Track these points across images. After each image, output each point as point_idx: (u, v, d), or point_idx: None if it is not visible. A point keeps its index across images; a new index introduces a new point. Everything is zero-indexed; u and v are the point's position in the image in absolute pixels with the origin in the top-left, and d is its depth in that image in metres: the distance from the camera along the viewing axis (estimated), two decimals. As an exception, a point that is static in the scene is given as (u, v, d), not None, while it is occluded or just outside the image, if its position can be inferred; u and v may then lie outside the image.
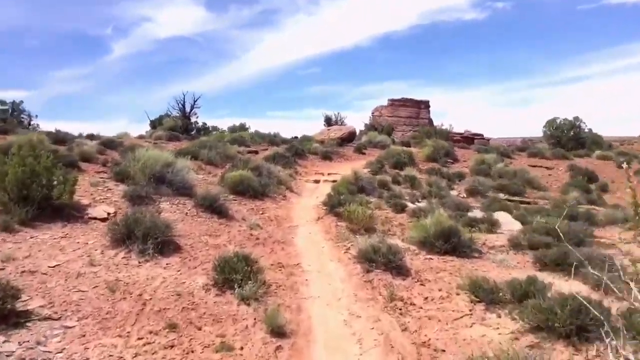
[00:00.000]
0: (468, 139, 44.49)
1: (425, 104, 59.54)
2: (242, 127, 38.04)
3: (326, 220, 13.59)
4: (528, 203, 21.94)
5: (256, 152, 24.75)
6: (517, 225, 15.03)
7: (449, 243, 10.90)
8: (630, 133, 57.80)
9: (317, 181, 20.61)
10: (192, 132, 30.81)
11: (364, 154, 29.87)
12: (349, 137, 33.81)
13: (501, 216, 15.92)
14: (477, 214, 16.64)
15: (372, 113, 56.08)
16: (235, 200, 14.53)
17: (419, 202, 18.34)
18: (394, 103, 58.17)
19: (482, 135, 46.15)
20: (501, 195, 22.07)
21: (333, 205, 13.85)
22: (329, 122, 40.98)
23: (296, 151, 25.62)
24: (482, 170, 26.12)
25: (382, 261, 9.18)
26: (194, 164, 18.48)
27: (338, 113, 44.03)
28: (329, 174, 22.43)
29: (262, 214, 13.64)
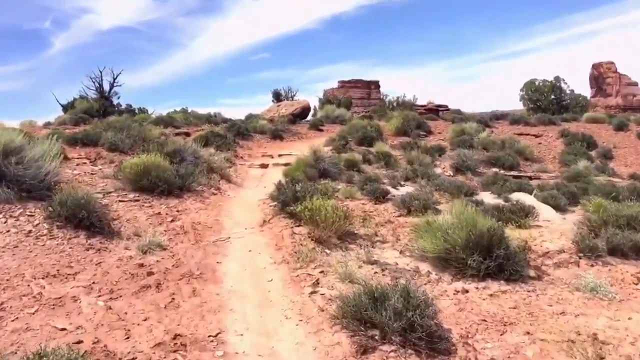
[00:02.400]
0: (432, 111, 40.41)
1: (376, 84, 56.50)
2: (184, 112, 32.54)
3: (276, 224, 8.70)
4: (529, 178, 17.70)
5: (187, 134, 19.53)
6: (550, 213, 10.52)
7: (491, 258, 6.22)
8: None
9: (264, 165, 15.63)
10: (113, 115, 25.05)
11: (321, 130, 24.99)
12: (303, 113, 28.86)
13: (518, 197, 11.43)
14: (485, 198, 12.08)
15: (324, 95, 52.35)
16: (137, 200, 9.47)
17: (401, 185, 13.68)
18: (345, 85, 54.92)
19: (447, 107, 42.11)
20: (496, 170, 17.70)
21: (285, 201, 8.92)
22: (278, 97, 35.76)
23: (238, 130, 20.51)
24: (464, 142, 21.67)
25: (396, 327, 4.30)
26: (85, 152, 13.26)
27: (288, 88, 38.87)
28: (279, 155, 17.46)
29: (172, 221, 8.59)
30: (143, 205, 9.22)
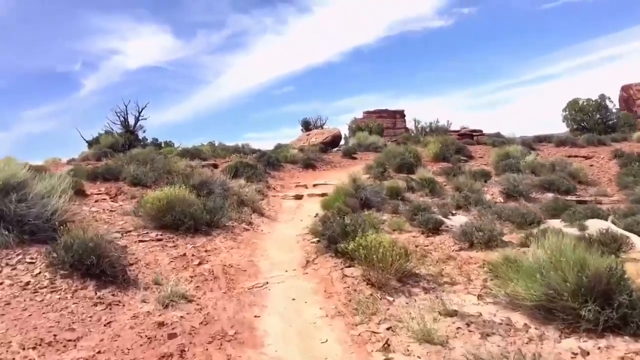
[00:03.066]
0: (467, 136, 38.95)
1: (401, 114, 55.64)
2: (211, 144, 31.67)
3: (322, 265, 7.36)
4: (586, 203, 16.01)
5: (215, 166, 18.42)
6: (637, 240, 8.92)
7: (611, 307, 4.75)
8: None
9: (298, 196, 14.34)
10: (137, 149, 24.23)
11: (355, 158, 23.70)
12: (334, 142, 27.67)
13: (596, 225, 9.86)
14: (555, 224, 10.55)
15: (350, 126, 51.55)
16: (159, 239, 8.24)
17: (453, 214, 12.22)
18: (370, 114, 54.10)
19: (482, 131, 40.58)
20: (555, 195, 16.08)
21: (333, 238, 7.56)
22: (307, 127, 34.66)
23: (268, 160, 19.35)
24: (510, 166, 20.09)
25: None
26: (106, 187, 12.18)
27: (318, 117, 37.74)
28: (314, 185, 16.18)
29: (199, 264, 7.30)
30: (166, 246, 7.97)
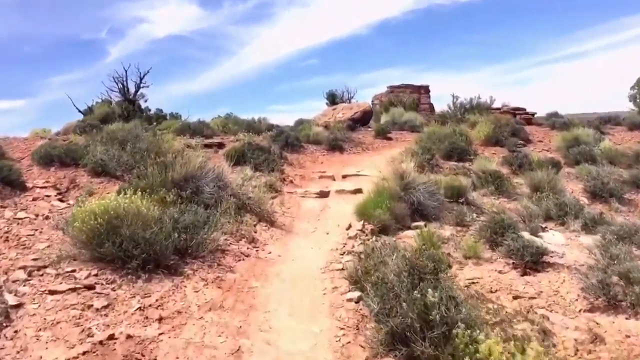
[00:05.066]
0: (508, 115, 34.80)
1: (426, 89, 52.03)
2: (226, 117, 27.87)
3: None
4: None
5: (220, 146, 14.85)
6: None
7: None
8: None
9: (323, 194, 10.67)
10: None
11: (389, 139, 19.89)
12: (364, 118, 23.74)
13: None
14: None
15: (372, 101, 47.94)
16: (89, 286, 4.78)
17: (543, 229, 8.54)
18: (394, 89, 50.46)
19: (525, 110, 36.35)
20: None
21: (402, 331, 3.89)
22: (333, 100, 30.74)
23: (286, 140, 15.70)
24: (583, 154, 16.17)
25: None
26: (57, 177, 8.81)
27: (346, 88, 33.67)
28: (344, 176, 12.48)
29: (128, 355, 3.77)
30: (90, 306, 4.49)
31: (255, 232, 7.70)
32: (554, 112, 24.67)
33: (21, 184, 8.32)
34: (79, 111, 22.59)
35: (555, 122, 21.99)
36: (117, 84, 22.83)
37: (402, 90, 55.24)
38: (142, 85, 23.11)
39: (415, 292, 3.78)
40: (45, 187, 8.43)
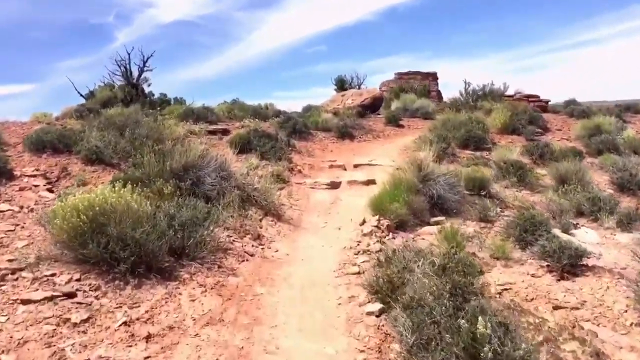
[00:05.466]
0: (521, 102, 33.85)
1: (434, 76, 51.46)
2: (233, 102, 26.99)
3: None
4: None
5: (225, 132, 14.15)
6: None
7: None
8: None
9: (334, 185, 9.97)
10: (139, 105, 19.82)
11: (401, 126, 19.10)
12: (374, 105, 22.95)
13: None
14: None
15: (380, 88, 47.18)
16: (70, 294, 4.13)
17: (575, 226, 7.81)
18: (402, 76, 50.06)
19: (539, 97, 35.39)
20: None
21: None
22: (342, 86, 29.89)
23: (294, 127, 14.97)
24: (606, 143, 15.37)
25: None
26: (48, 164, 8.16)
27: (355, 74, 32.72)
28: (355, 166, 11.76)
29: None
30: (66, 320, 3.83)
31: (261, 228, 7.04)
32: (571, 99, 23.67)
33: (8, 171, 7.66)
34: (81, 95, 21.88)
35: (574, 109, 21.08)
36: (119, 67, 22.03)
37: (410, 77, 54.63)
38: (145, 69, 22.32)
39: (461, 320, 3.07)
40: (34, 176, 7.77)
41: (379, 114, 22.65)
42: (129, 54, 22.02)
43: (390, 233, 7.26)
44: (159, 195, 6.25)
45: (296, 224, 7.76)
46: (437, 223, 7.81)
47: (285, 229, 7.39)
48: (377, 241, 6.78)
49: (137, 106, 13.68)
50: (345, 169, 11.40)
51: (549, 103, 31.82)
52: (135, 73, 22.40)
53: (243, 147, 11.19)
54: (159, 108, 18.93)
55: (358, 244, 6.72)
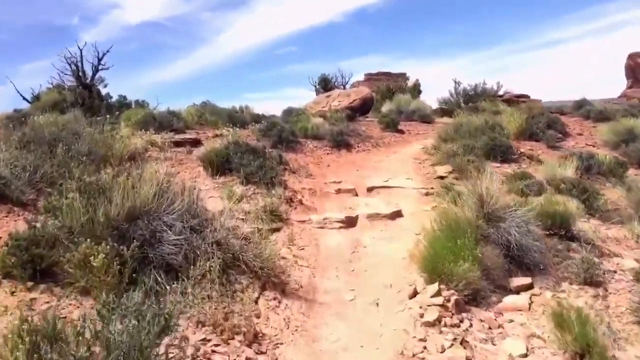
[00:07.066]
0: (511, 102, 31.78)
1: (403, 77, 49.84)
2: (202, 105, 23.70)
3: None
4: None
5: (194, 143, 11.24)
6: None
7: None
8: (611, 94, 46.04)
9: (350, 221, 7.14)
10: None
11: (401, 132, 16.41)
12: (364, 106, 20.18)
13: None
14: None
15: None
16: None
17: None
18: (372, 77, 48.50)
19: (528, 96, 33.53)
20: None
21: None
22: (325, 86, 27.02)
23: (280, 135, 12.11)
24: (642, 150, 13.00)
25: None
26: None
27: (340, 73, 29.79)
28: (369, 189, 8.92)
29: None
30: None
31: (259, 318, 4.24)
32: (582, 99, 21.30)
33: None
34: (24, 99, 18.57)
35: (590, 111, 18.71)
36: (70, 65, 18.77)
37: (379, 78, 53.40)
38: (100, 67, 19.07)
39: None
40: None
41: (367, 117, 19.97)
42: (80, 50, 18.74)
43: (462, 313, 4.58)
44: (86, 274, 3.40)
45: (309, 297, 4.97)
46: (522, 289, 5.16)
47: (295, 312, 4.59)
48: (454, 339, 4.07)
49: (78, 112, 10.58)
50: (356, 194, 8.57)
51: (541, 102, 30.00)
52: (89, 72, 19.23)
53: (220, 165, 8.36)
54: (117, 113, 15.82)
55: (424, 347, 3.99)
